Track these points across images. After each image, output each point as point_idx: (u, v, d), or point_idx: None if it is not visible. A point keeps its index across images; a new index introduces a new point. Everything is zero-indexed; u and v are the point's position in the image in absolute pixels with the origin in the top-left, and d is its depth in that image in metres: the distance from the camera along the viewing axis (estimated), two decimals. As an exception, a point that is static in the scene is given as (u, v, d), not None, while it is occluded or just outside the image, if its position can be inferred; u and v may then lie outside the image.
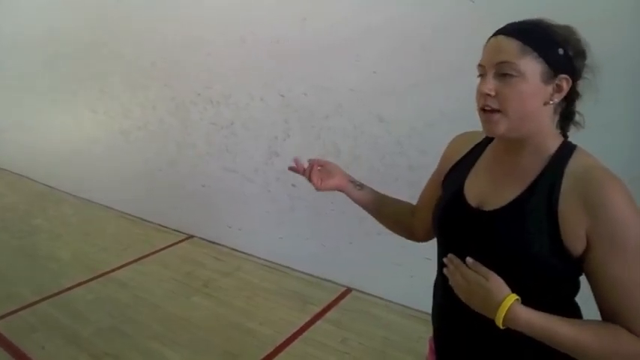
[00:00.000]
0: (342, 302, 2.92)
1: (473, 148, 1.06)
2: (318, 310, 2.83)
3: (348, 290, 3.03)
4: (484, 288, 0.84)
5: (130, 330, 2.63)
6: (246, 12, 3.15)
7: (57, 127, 5.24)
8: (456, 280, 0.90)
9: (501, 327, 0.83)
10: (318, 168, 1.22)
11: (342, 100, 2.83)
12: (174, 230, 4.02)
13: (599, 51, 0.90)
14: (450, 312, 1.00)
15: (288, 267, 3.32)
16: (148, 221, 4.26)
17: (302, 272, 3.24)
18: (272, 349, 2.45)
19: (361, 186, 1.27)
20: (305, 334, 2.60)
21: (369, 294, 2.96)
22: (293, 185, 3.12)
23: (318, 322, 2.71)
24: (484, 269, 0.86)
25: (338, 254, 3.06)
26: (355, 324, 2.66)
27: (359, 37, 2.66)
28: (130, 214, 4.44)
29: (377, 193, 1.28)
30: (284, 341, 2.52)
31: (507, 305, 0.81)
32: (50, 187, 5.46)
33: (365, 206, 1.27)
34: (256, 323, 2.69)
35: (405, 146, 2.63)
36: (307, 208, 3.15)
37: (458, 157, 1.08)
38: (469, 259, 0.88)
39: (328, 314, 2.79)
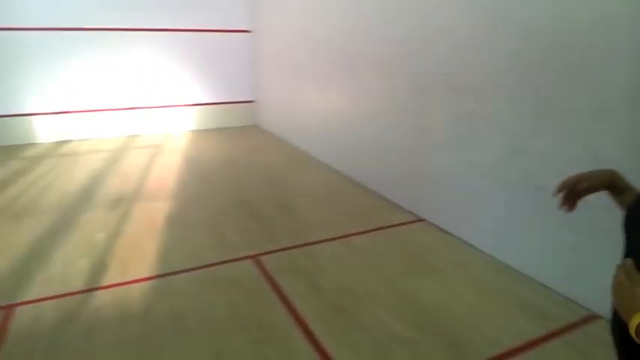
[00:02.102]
0: (587, 328, 2.57)
1: None
2: (555, 328, 2.56)
3: (594, 316, 2.65)
4: (631, 290, 0.82)
5: (363, 293, 2.86)
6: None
7: (313, 102, 5.97)
8: (616, 277, 0.87)
9: (633, 335, 0.79)
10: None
11: (612, 102, 2.41)
12: (408, 211, 4.16)
13: None
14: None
15: (522, 273, 3.09)
16: (384, 197, 4.51)
17: (540, 284, 2.97)
18: (500, 352, 2.34)
19: (623, 190, 1.13)
20: (538, 349, 2.39)
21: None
22: (539, 188, 2.85)
23: (555, 342, 2.46)
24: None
25: (588, 273, 2.69)
26: (602, 357, 2.32)
27: None
28: (367, 187, 4.79)
29: None
30: (514, 349, 2.37)
31: None
32: (304, 152, 6.30)
33: None
34: (484, 321, 2.60)
35: None
36: (555, 216, 2.83)
37: None
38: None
39: (568, 336, 2.50)
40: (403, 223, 3.92)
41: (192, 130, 8.06)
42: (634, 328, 0.79)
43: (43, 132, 7.15)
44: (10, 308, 2.71)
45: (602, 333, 2.50)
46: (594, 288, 2.60)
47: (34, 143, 7.04)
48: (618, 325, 0.94)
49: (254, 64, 8.24)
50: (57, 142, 7.13)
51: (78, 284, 2.98)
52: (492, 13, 3.11)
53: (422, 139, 3.91)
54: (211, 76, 8.09)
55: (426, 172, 3.90)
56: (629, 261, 0.88)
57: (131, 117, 7.66)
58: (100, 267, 3.20)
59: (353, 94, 5.00)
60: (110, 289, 2.93)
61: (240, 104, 8.42)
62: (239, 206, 4.34)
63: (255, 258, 3.28)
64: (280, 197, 4.61)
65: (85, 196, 4.69)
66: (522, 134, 2.99)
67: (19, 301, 2.79)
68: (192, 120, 8.13)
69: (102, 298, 2.83)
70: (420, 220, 3.99)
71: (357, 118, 4.95)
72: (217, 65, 8.09)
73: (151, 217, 4.08)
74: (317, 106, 5.91)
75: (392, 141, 4.34)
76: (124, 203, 4.44)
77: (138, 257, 3.34)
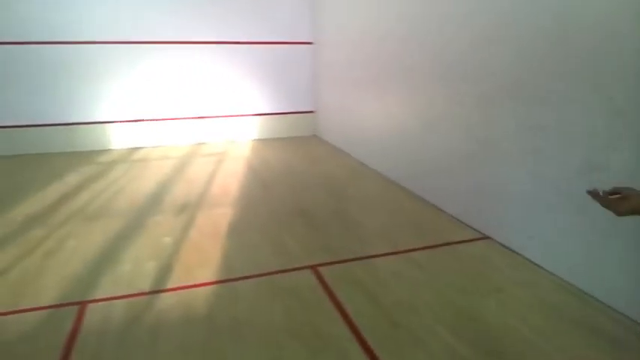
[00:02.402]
0: (672, 363, 2.35)
1: None
2: (629, 357, 2.36)
3: (682, 351, 2.41)
4: None
5: (422, 310, 2.78)
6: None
7: (372, 113, 5.95)
8: None
9: None
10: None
11: None
12: (470, 227, 4.02)
13: None
14: None
15: (595, 297, 2.87)
16: (445, 212, 4.39)
17: (614, 309, 2.75)
18: (572, 385, 2.18)
19: None
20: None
21: None
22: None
23: (635, 376, 2.26)
24: None
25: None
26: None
27: None
28: (427, 200, 4.68)
29: None
30: (588, 381, 2.21)
31: None
32: (362, 163, 6.28)
33: None
34: (550, 346, 2.43)
35: None
36: (635, 238, 2.62)
37: None
38: None
39: (650, 371, 2.29)
40: (465, 240, 3.79)
41: (255, 139, 8.28)
42: None
43: (117, 139, 7.63)
44: (83, 304, 2.89)
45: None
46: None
47: (109, 149, 7.53)
48: None
49: (315, 75, 8.36)
50: (129, 149, 7.58)
51: (145, 285, 3.13)
52: (563, 16, 2.95)
53: (486, 151, 3.77)
54: (274, 86, 8.29)
55: (491, 186, 3.75)
56: None
57: (198, 126, 8.01)
58: (166, 270, 3.34)
59: (413, 104, 4.93)
60: (175, 291, 3.05)
61: (301, 114, 8.55)
62: (298, 215, 4.38)
63: (314, 268, 3.29)
64: (339, 208, 4.61)
65: (154, 200, 4.93)
66: (597, 147, 2.80)
67: (91, 298, 2.97)
68: (254, 129, 8.36)
69: (167, 300, 2.94)
70: (484, 237, 3.83)
71: (417, 129, 4.87)
72: (279, 76, 8.28)
73: (215, 223, 4.21)
74: (376, 117, 5.88)
75: (454, 153, 4.22)
76: (189, 209, 4.62)
77: (202, 262, 3.45)
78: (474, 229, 3.96)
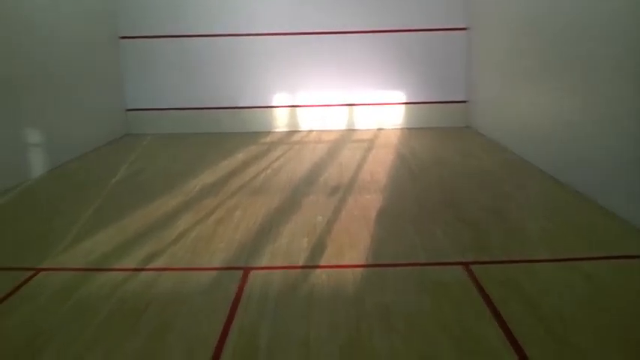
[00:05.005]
0: None
1: None
2: None
3: None
4: None
5: (591, 328, 2.45)
6: None
7: (536, 105, 5.40)
8: None
9: None
10: None
11: None
12: (657, 241, 3.44)
13: None
14: None
15: None
16: (621, 217, 3.82)
17: None
18: None
19: None
20: None
21: None
22: None
23: None
24: None
25: None
26: None
27: None
28: (598, 203, 4.12)
29: None
30: None
31: None
32: (522, 158, 5.78)
33: None
34: None
35: None
36: None
37: None
38: None
39: None
40: (650, 255, 3.25)
41: (403, 128, 8.21)
42: None
43: (278, 122, 8.27)
44: (247, 270, 3.20)
45: None
46: None
47: (271, 131, 8.19)
48: None
49: (469, 62, 7.91)
50: (289, 132, 8.17)
51: (299, 259, 3.33)
52: None
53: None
54: (424, 74, 8.10)
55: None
56: None
57: (349, 113, 8.25)
58: (318, 247, 3.51)
59: (587, 97, 4.34)
60: (326, 269, 3.19)
61: (453, 104, 8.20)
62: (449, 209, 4.23)
63: (466, 265, 3.14)
64: (494, 205, 4.32)
65: (308, 181, 5.22)
66: None
67: (253, 265, 3.27)
68: (403, 117, 8.28)
69: (319, 276, 3.10)
70: (676, 254, 3.25)
71: (590, 126, 4.28)
72: (430, 64, 8.07)
73: (364, 208, 4.29)
74: (541, 110, 5.33)
75: (634, 153, 3.62)
76: (340, 192, 4.79)
77: (352, 244, 3.55)
78: (663, 245, 3.38)
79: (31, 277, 3.15)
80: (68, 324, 2.61)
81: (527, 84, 5.73)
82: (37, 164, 5.73)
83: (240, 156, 6.48)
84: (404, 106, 8.25)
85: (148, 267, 3.27)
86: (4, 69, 5.20)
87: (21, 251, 3.59)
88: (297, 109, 8.24)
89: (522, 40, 5.81)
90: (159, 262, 3.35)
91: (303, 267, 3.23)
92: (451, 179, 5.17)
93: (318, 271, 3.17)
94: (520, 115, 5.97)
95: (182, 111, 8.23)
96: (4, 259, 3.47)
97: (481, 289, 2.84)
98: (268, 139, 7.66)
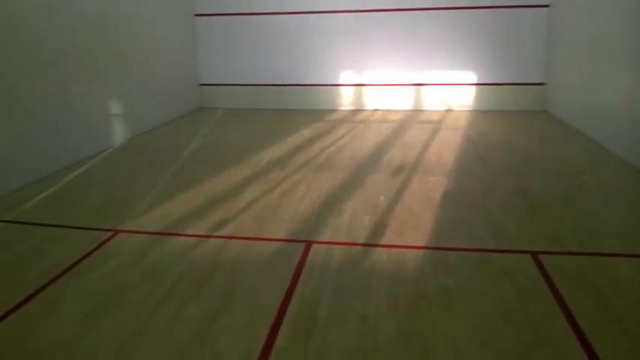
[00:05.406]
0: None
1: None
2: None
3: None
4: None
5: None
6: None
7: (622, 90, 4.98)
8: None
9: None
10: None
11: None
12: None
13: None
14: None
15: None
16: None
17: None
18: None
19: None
20: None
21: None
22: None
23: None
24: None
25: None
26: None
27: None
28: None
29: None
30: None
31: None
32: (603, 147, 5.39)
33: None
34: None
35: None
36: None
37: None
38: None
39: None
40: None
41: (474, 110, 7.89)
42: None
43: (344, 100, 8.24)
44: (309, 243, 3.27)
45: None
46: None
47: (336, 109, 8.19)
48: None
49: (549, 42, 7.39)
50: (354, 110, 8.12)
51: (360, 237, 3.36)
52: None
53: None
54: (498, 54, 7.68)
55: None
56: None
57: (416, 93, 8.04)
58: (379, 226, 3.52)
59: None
60: (386, 248, 3.20)
61: (528, 86, 7.74)
62: (519, 196, 4.05)
63: (534, 255, 3.02)
64: (569, 195, 4.09)
65: (372, 160, 5.20)
66: None
67: (315, 239, 3.34)
68: (474, 99, 7.95)
69: (379, 254, 3.11)
70: None
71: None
72: (506, 43, 7.62)
73: (428, 189, 4.22)
74: (627, 95, 4.90)
75: None
76: (404, 172, 4.73)
77: (414, 225, 3.52)
78: None
79: (110, 238, 3.43)
80: (141, 284, 2.83)
81: (617, 68, 5.28)
82: (119, 133, 6.14)
83: (306, 132, 6.55)
84: (475, 87, 7.90)
85: (216, 234, 3.45)
86: (93, 44, 5.57)
87: (102, 213, 3.90)
88: (364, 87, 8.16)
89: (613, 19, 5.34)
90: (227, 230, 3.51)
91: (364, 244, 3.26)
92: (523, 165, 4.94)
93: (379, 249, 3.19)
94: (604, 100, 5.53)
95: (251, 87, 8.42)
96: (87, 220, 3.78)
97: (549, 280, 2.73)
98: (334, 116, 7.67)
